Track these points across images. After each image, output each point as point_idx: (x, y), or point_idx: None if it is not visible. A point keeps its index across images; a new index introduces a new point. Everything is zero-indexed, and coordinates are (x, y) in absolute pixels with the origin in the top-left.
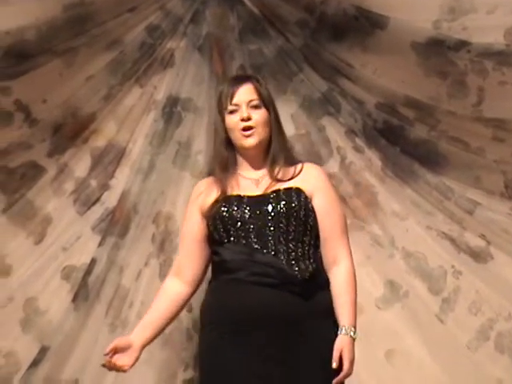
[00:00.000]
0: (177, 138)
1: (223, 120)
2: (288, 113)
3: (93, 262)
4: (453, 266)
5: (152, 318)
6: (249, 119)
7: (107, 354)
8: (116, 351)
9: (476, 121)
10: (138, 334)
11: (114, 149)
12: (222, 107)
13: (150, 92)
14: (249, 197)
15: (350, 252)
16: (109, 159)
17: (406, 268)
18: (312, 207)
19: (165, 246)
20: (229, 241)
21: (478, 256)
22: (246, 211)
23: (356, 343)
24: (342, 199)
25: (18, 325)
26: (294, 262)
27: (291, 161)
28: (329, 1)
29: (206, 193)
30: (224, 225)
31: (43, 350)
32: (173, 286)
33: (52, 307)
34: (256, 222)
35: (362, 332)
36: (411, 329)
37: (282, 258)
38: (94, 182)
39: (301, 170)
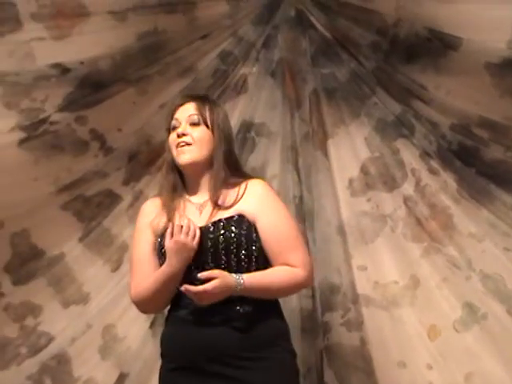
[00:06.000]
0: (251, 163)
1: (167, 139)
2: (362, 136)
3: None
4: None
5: None
6: (184, 135)
7: None
8: None
9: None
10: None
11: None
12: (167, 126)
13: None
14: None
15: (306, 260)
16: None
17: (484, 290)
18: (256, 235)
19: None
20: None
21: None
22: None
23: (435, 366)
24: (418, 221)
25: (96, 352)
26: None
27: (237, 179)
28: (401, 23)
29: (156, 216)
30: (164, 260)
31: (122, 377)
32: None
33: (130, 334)
34: (196, 257)
35: (441, 355)
36: (490, 351)
37: None
38: None
39: (244, 191)
